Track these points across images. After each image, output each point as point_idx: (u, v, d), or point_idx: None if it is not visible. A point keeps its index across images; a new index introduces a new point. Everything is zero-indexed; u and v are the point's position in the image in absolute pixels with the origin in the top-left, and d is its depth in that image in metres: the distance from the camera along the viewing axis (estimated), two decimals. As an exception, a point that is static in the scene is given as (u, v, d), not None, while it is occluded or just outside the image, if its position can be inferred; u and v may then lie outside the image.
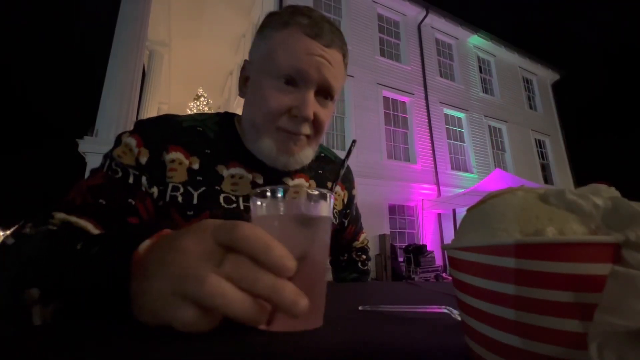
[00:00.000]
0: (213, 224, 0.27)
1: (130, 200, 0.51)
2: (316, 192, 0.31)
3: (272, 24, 0.56)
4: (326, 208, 0.31)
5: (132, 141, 0.54)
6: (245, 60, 0.61)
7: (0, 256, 0.39)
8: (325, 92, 0.55)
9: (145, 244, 0.30)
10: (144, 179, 0.53)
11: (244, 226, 0.25)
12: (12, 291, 0.33)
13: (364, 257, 0.88)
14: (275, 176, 0.62)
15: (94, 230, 0.47)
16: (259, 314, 0.24)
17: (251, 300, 0.23)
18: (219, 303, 0.22)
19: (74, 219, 0.46)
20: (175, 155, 0.55)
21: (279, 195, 0.30)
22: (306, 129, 0.54)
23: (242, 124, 0.61)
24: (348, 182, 0.78)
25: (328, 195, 0.32)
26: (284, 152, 0.55)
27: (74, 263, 0.33)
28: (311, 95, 0.53)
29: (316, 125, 0.56)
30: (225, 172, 0.58)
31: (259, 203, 0.31)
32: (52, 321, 0.31)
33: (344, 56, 0.58)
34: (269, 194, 0.30)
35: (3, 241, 0.41)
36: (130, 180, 0.52)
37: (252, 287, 0.23)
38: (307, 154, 0.58)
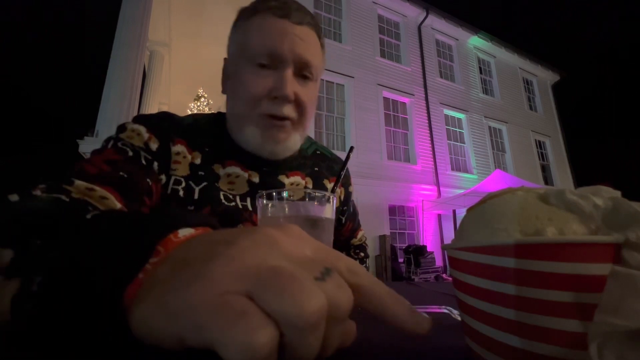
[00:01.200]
0: (238, 269, 0.16)
1: (147, 179, 0.49)
2: (320, 194, 0.31)
3: (243, 15, 0.56)
4: (330, 210, 0.32)
5: (140, 128, 0.53)
6: (225, 59, 0.61)
7: None
8: (303, 71, 0.55)
9: (188, 230, 0.21)
10: (155, 165, 0.52)
11: (364, 272, 0.19)
12: None
13: (362, 254, 0.88)
14: (271, 174, 0.62)
15: (116, 203, 0.41)
16: None
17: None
18: (312, 341, 0.15)
19: (97, 187, 0.40)
20: (180, 148, 0.55)
21: (285, 196, 0.31)
22: (289, 111, 0.53)
23: (228, 120, 0.61)
24: (345, 179, 0.78)
25: (332, 197, 0.32)
26: (269, 139, 0.54)
27: (78, 231, 0.23)
28: (288, 74, 0.52)
29: (298, 106, 0.55)
30: (221, 171, 0.58)
31: (265, 204, 0.31)
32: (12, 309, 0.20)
33: (319, 36, 0.58)
34: (275, 195, 0.31)
35: (6, 196, 0.33)
36: (143, 161, 0.50)
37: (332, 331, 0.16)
38: (294, 140, 0.57)
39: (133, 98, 5.93)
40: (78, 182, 0.39)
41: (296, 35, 0.53)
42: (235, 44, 0.57)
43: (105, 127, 5.50)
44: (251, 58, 0.53)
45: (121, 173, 0.45)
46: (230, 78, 0.58)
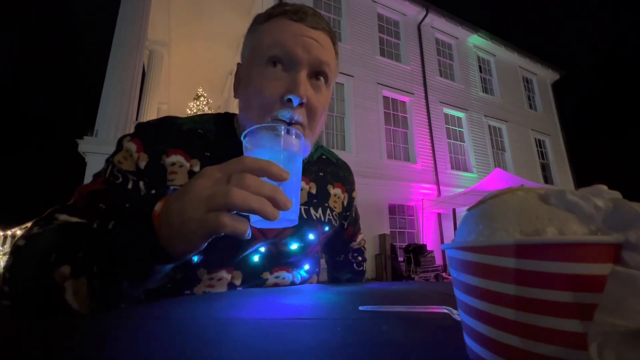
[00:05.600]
0: (216, 166, 0.36)
1: (127, 205, 0.51)
2: (294, 132, 0.40)
3: (257, 20, 0.57)
4: (297, 144, 0.41)
5: (132, 146, 0.54)
6: (238, 64, 0.61)
7: (17, 256, 0.40)
8: (317, 74, 0.54)
9: (159, 205, 0.37)
10: (141, 184, 0.53)
11: (247, 157, 0.35)
12: (41, 275, 0.36)
13: (360, 258, 0.87)
14: None
15: None
16: (271, 208, 0.33)
17: (263, 198, 0.33)
18: (246, 205, 0.32)
19: (75, 219, 0.47)
20: (176, 158, 0.55)
21: (267, 132, 0.40)
22: (300, 117, 0.52)
23: (239, 124, 0.61)
24: (349, 185, 0.77)
25: (302, 136, 0.41)
26: None
27: (97, 236, 0.38)
28: (302, 75, 0.52)
29: (309, 111, 0.53)
30: None
31: (250, 140, 0.40)
32: (88, 300, 0.35)
33: (333, 42, 0.58)
34: (255, 128, 0.40)
35: (15, 244, 0.42)
36: (130, 186, 0.52)
37: (260, 191, 0.33)
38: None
39: (132, 97, 5.93)
40: (60, 217, 0.47)
41: (312, 37, 0.52)
42: (248, 48, 0.57)
43: (105, 126, 5.49)
44: (263, 55, 0.52)
45: (101, 205, 0.49)
46: (242, 82, 0.58)
